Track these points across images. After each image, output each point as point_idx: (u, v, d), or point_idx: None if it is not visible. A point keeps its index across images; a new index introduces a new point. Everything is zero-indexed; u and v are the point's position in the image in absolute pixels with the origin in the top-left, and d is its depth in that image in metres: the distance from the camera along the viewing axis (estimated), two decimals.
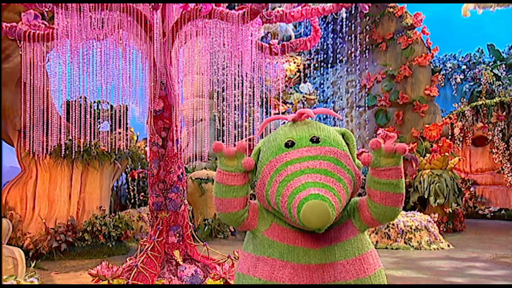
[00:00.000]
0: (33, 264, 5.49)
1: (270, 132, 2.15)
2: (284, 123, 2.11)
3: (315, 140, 1.92)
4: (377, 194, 1.91)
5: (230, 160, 1.94)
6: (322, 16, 4.86)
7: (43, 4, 4.24)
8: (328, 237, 1.95)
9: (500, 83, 16.43)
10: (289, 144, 1.93)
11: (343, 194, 1.83)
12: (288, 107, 14.55)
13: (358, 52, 15.11)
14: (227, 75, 4.87)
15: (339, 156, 1.90)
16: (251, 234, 2.08)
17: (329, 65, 16.50)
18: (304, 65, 16.22)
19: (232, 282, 4.36)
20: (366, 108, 15.00)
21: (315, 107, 14.84)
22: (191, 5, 4.47)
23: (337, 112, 15.86)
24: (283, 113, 13.67)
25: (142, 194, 9.72)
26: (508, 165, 12.88)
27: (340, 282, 1.89)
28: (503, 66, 17.06)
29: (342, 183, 1.84)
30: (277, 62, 5.31)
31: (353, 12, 14.82)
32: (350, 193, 1.91)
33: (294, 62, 16.28)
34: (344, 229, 1.99)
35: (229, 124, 5.08)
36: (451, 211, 10.52)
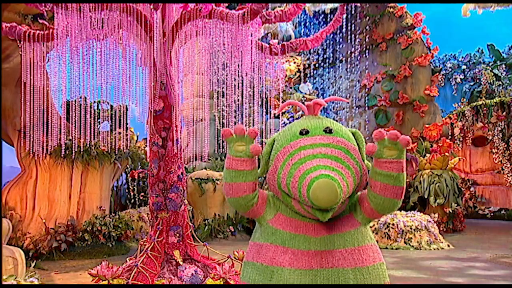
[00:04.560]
0: (33, 264, 5.48)
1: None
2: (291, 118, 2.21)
3: (328, 131, 2.02)
4: (377, 185, 1.99)
5: (239, 146, 2.02)
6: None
7: (43, 4, 4.24)
8: (329, 227, 2.04)
9: (500, 83, 16.42)
10: (304, 132, 2.03)
11: (351, 182, 1.92)
12: (288, 107, 14.54)
13: (358, 52, 15.10)
14: (227, 75, 4.88)
15: (350, 148, 2.00)
16: (258, 224, 2.17)
17: (329, 65, 16.49)
18: (304, 65, 16.21)
19: (232, 282, 4.36)
20: (366, 108, 14.99)
21: None
22: (191, 5, 4.47)
23: (337, 112, 15.98)
24: (282, 113, 13.67)
25: (142, 194, 9.72)
26: (508, 165, 12.88)
27: (337, 269, 1.98)
28: (503, 66, 17.04)
29: (351, 171, 1.94)
30: (277, 62, 5.31)
31: (353, 12, 14.82)
32: (357, 184, 1.99)
33: (294, 62, 16.29)
34: (345, 221, 2.08)
35: (229, 124, 5.08)
36: (451, 211, 10.52)
